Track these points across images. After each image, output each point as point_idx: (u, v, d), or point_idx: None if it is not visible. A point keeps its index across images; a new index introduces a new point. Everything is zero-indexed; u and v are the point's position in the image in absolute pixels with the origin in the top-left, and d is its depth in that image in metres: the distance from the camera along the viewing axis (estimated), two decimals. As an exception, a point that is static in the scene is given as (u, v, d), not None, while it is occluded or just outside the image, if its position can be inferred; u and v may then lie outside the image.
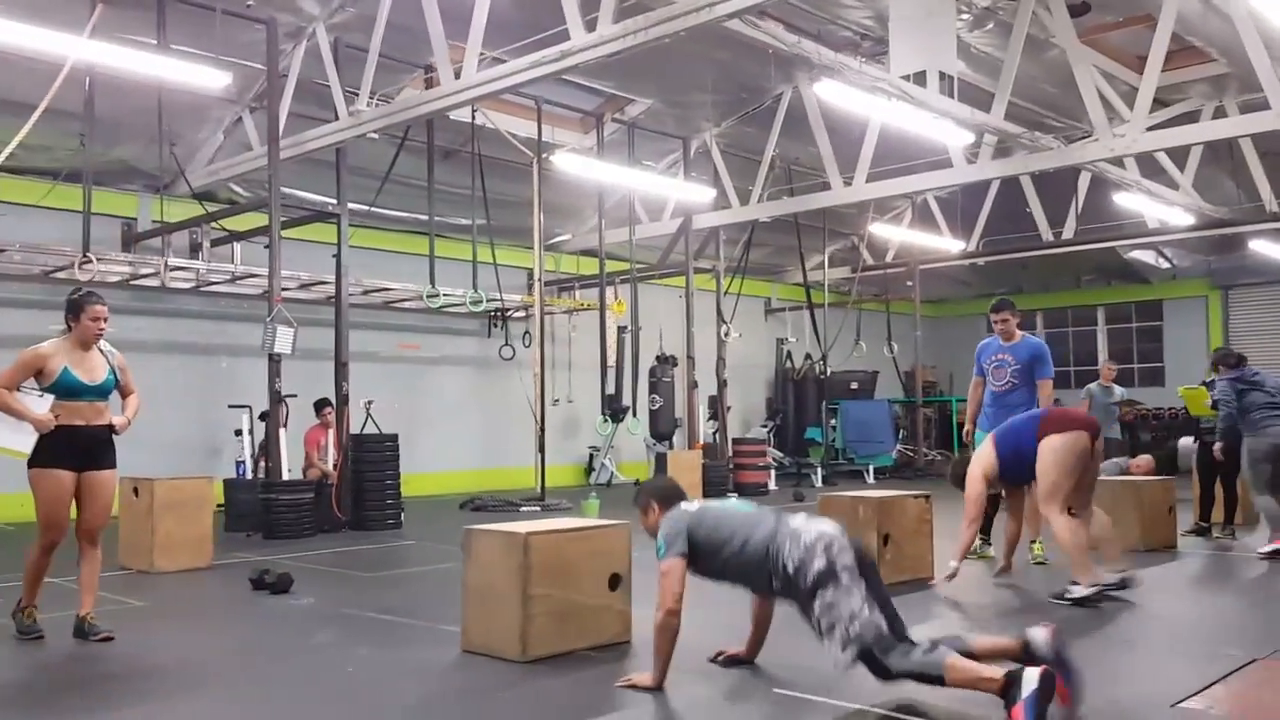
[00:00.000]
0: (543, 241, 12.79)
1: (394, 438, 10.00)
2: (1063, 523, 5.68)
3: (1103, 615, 5.34)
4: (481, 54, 8.69)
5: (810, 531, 3.77)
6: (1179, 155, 13.89)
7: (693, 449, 13.44)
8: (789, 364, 18.91)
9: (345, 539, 8.96)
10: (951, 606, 5.76)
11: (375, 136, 9.63)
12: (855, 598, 3.61)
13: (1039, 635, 3.53)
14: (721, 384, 14.45)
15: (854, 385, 19.00)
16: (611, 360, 15.05)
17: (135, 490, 7.02)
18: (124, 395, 5.19)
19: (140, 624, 5.26)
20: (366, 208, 11.64)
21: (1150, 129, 10.44)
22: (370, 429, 10.34)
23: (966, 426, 7.65)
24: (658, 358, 15.02)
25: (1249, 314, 19.40)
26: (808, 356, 18.23)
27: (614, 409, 15.62)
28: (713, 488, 13.06)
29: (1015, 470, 6.11)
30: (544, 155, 11.43)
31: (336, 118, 9.81)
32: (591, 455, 15.88)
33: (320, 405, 10.35)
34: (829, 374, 17.62)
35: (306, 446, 10.29)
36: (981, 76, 11.80)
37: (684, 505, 4.10)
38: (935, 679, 3.48)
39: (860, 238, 17.92)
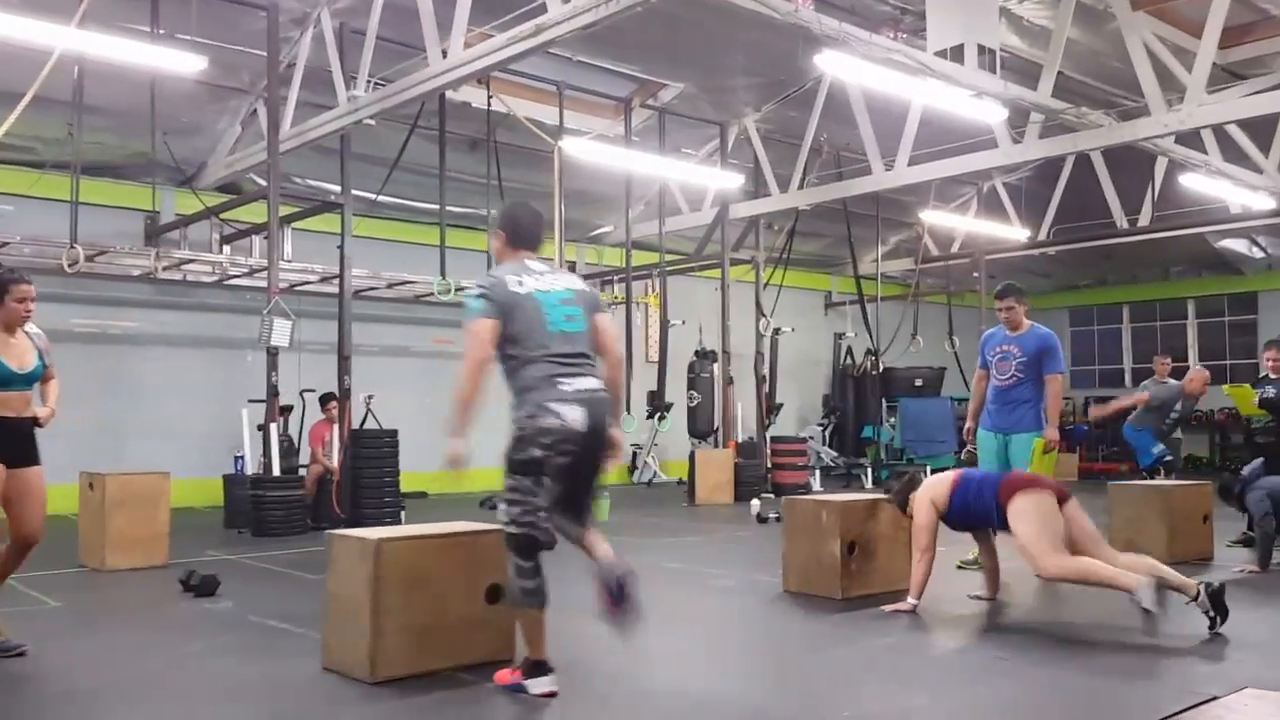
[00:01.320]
0: (566, 233, 12.45)
1: (393, 433, 9.73)
2: (1067, 567, 4.87)
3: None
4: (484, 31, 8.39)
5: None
6: (1263, 135, 12.71)
7: (728, 447, 12.87)
8: (849, 360, 18.14)
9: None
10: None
11: (372, 122, 9.35)
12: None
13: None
14: (760, 379, 13.83)
15: (918, 382, 18.11)
16: (655, 356, 14.69)
17: (90, 485, 6.88)
18: (44, 382, 4.84)
19: (40, 625, 5.04)
20: (373, 197, 11.41)
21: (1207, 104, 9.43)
22: (371, 424, 10.09)
23: (968, 423, 6.95)
24: (696, 352, 14.49)
25: (1355, 306, 17.79)
26: (868, 352, 17.42)
27: (656, 406, 15.21)
28: (745, 488, 12.49)
29: (960, 520, 5.42)
30: (558, 142, 10.98)
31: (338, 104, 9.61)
32: (635, 453, 15.44)
33: (325, 400, 10.17)
34: (881, 370, 16.81)
35: (311, 442, 10.12)
36: (1038, 50, 10.97)
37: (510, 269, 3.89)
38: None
39: (923, 227, 17.02)
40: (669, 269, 14.08)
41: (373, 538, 3.86)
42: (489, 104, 11.01)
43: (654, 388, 14.86)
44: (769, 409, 15.19)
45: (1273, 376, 7.69)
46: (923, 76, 8.52)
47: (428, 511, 10.07)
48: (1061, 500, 5.06)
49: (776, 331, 16.18)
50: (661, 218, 13.86)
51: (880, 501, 5.83)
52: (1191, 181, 12.75)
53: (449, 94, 10.33)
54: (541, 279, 3.86)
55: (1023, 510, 4.99)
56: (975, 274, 17.25)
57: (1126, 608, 4.57)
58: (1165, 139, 10.31)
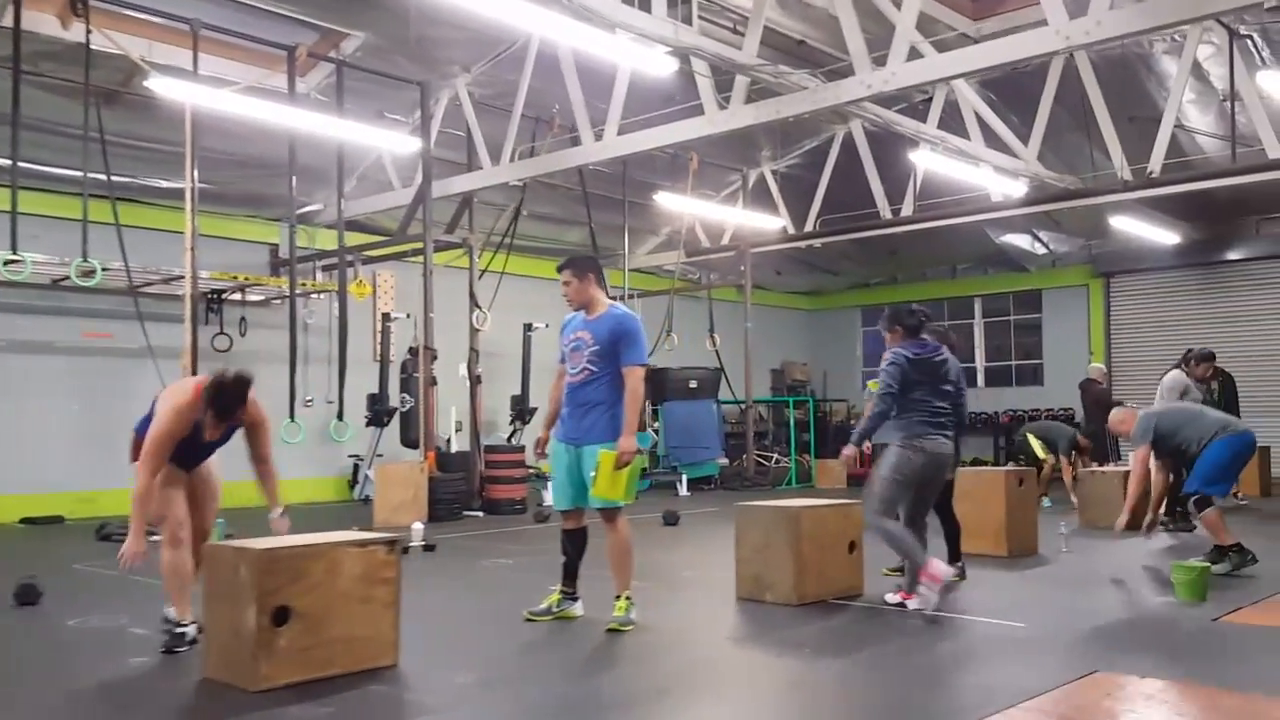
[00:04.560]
0: (267, 210, 10.51)
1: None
2: None
3: None
4: None
5: None
6: (1025, 118, 11.84)
7: (428, 458, 11.13)
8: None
9: None
10: None
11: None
12: None
13: None
14: (475, 380, 12.17)
15: (692, 384, 16.79)
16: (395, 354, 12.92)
17: None
18: None
19: None
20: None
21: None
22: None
23: (540, 434, 5.43)
24: (411, 349, 12.74)
25: (1131, 304, 17.37)
26: (640, 350, 15.95)
27: (376, 411, 13.41)
28: (445, 506, 10.80)
29: None
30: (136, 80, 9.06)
31: None
32: (356, 466, 13.57)
33: None
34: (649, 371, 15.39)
35: None
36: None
37: None
38: None
39: (689, 217, 15.71)
40: (375, 254, 12.32)
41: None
42: (87, 36, 9.00)
43: (376, 390, 13.15)
44: (481, 413, 13.66)
45: None
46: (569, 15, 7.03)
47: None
48: None
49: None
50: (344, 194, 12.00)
51: (349, 545, 4.20)
52: (944, 167, 11.77)
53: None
54: None
55: None
56: (742, 268, 16.01)
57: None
58: (910, 121, 9.20)
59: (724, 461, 15.69)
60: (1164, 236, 15.21)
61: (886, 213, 13.82)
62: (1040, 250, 17.82)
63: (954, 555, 6.47)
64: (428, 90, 11.33)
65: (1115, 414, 7.28)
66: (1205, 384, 9.84)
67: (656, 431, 16.18)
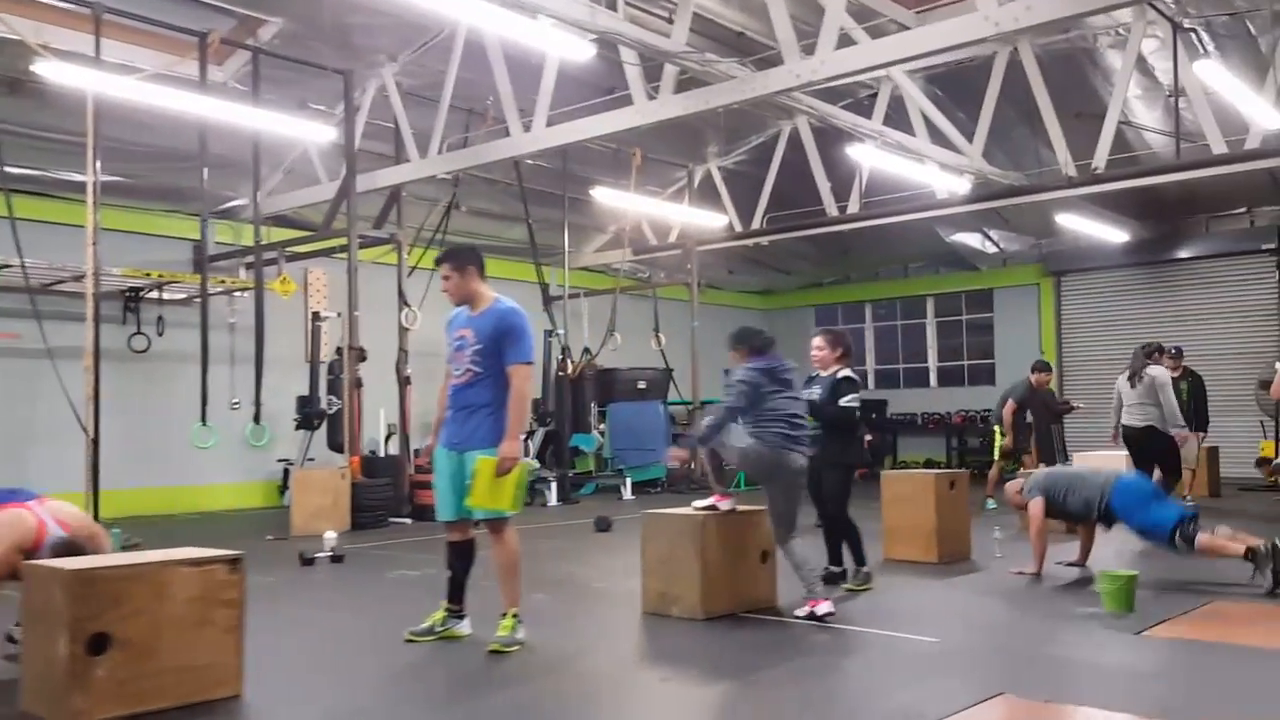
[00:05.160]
0: (188, 205, 9.91)
1: None
2: None
3: None
4: None
5: None
6: (973, 114, 11.60)
7: (351, 463, 10.70)
8: (563, 359, 16.30)
9: None
10: None
11: None
12: None
13: None
14: (404, 381, 11.75)
15: (641, 384, 16.47)
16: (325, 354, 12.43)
17: None
18: None
19: None
20: None
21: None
22: None
23: (428, 440, 5.06)
24: (339, 349, 12.27)
25: (1082, 303, 17.23)
26: (586, 351, 15.61)
27: (305, 414, 12.92)
28: (369, 513, 10.37)
29: None
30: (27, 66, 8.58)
31: None
32: (286, 471, 13.08)
33: None
34: (598, 371, 15.09)
35: None
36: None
37: None
38: None
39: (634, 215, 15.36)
40: (299, 250, 11.87)
41: None
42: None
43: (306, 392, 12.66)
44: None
45: (822, 374, 6.24)
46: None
47: None
48: None
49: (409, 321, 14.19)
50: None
51: (182, 565, 3.80)
52: (889, 164, 11.53)
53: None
54: None
55: None
56: (689, 266, 15.67)
57: None
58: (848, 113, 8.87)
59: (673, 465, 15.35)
60: (1113, 235, 15.06)
61: (833, 210, 13.56)
62: (991, 249, 17.63)
63: (856, 559, 6.25)
64: (351, 80, 10.88)
65: (1009, 488, 6.99)
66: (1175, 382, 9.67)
67: (602, 434, 15.84)
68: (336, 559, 7.68)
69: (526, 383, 4.68)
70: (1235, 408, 14.41)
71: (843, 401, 6.16)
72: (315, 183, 12.04)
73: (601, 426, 15.79)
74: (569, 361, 14.69)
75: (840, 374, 6.30)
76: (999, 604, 5.89)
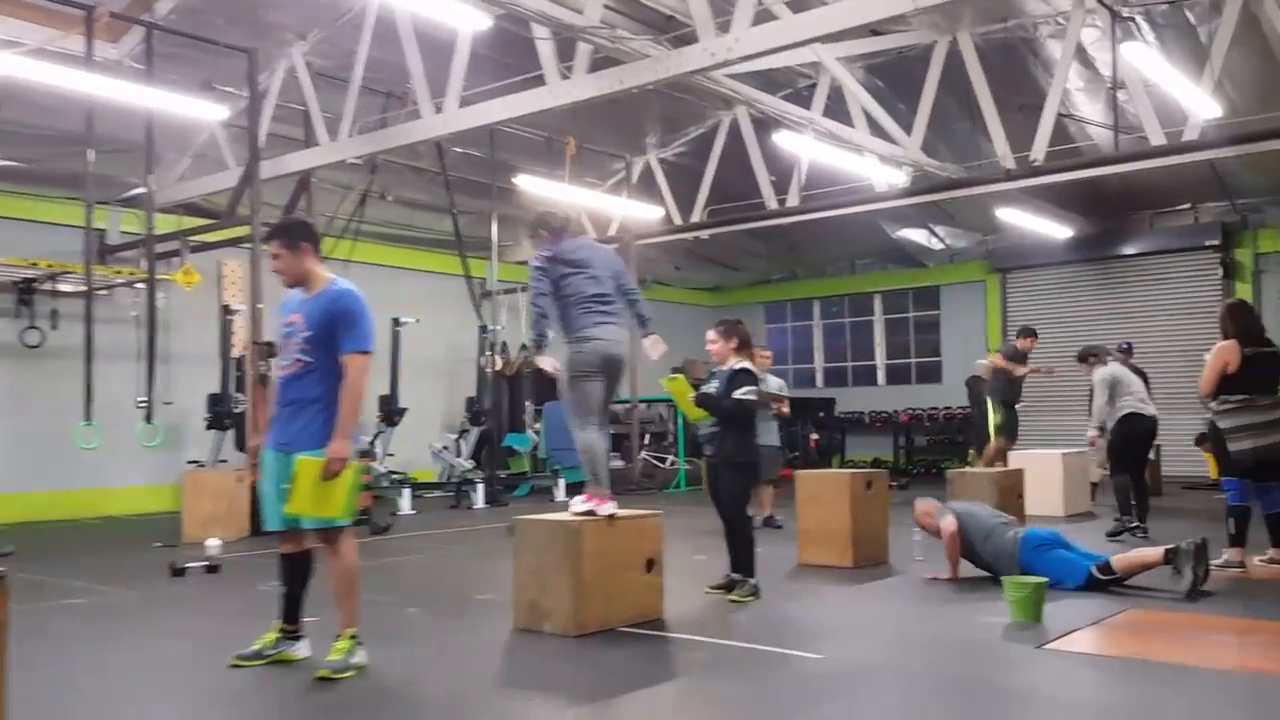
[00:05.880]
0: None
1: None
2: None
3: None
4: None
5: None
6: (914, 106, 11.25)
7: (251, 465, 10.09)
8: (491, 354, 15.75)
9: None
10: None
11: None
12: None
13: None
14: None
15: (582, 382, 15.96)
16: (239, 350, 11.81)
17: None
18: None
19: None
20: None
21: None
22: None
23: (252, 441, 4.56)
24: (256, 344, 11.66)
25: (1028, 299, 16.97)
26: (523, 348, 15.09)
27: (216, 413, 12.31)
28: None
29: None
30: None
31: None
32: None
33: None
34: (524, 369, 14.57)
35: None
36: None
37: None
38: None
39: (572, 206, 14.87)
40: (202, 239, 11.28)
41: None
42: None
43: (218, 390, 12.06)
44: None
45: (720, 369, 5.81)
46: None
47: None
48: None
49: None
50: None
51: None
52: (828, 156, 11.17)
53: None
54: None
55: None
56: (627, 259, 15.19)
57: None
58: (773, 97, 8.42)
59: (615, 464, 14.88)
60: (1058, 231, 14.79)
61: (773, 203, 13.16)
62: (937, 245, 17.35)
63: (744, 568, 5.85)
64: (255, 58, 10.29)
65: (918, 509, 6.57)
66: None
67: (538, 433, 15.35)
68: (212, 569, 7.12)
69: (363, 375, 4.19)
70: (1178, 405, 14.16)
71: (737, 394, 5.73)
72: (220, 168, 11.43)
73: (537, 426, 15.31)
74: (496, 358, 14.21)
75: (737, 366, 5.87)
76: (903, 615, 5.47)
